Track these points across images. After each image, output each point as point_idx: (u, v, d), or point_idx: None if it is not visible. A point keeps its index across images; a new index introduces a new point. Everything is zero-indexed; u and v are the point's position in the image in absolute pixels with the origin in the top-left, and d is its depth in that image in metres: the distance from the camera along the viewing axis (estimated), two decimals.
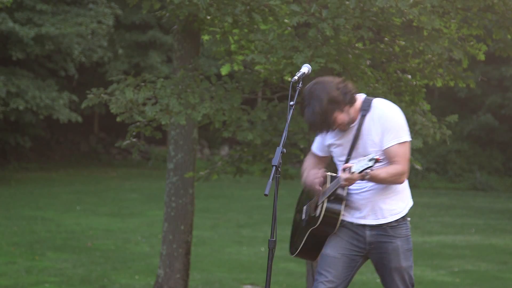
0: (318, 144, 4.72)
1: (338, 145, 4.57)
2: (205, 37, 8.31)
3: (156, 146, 31.71)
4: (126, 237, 14.35)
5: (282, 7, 7.24)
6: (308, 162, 4.78)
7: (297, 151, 8.66)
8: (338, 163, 4.62)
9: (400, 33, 7.28)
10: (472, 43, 7.70)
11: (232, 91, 7.45)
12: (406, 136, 4.45)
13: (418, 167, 8.39)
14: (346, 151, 4.52)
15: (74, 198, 20.20)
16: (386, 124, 4.42)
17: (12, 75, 22.90)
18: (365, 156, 4.38)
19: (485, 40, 7.63)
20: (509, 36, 7.32)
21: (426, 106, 8.17)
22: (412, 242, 4.66)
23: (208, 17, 7.77)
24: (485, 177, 31.34)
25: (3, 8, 19.33)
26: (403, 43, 7.55)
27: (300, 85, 4.42)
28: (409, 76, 8.06)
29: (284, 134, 4.27)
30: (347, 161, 4.52)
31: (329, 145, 4.63)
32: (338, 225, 4.52)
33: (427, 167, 30.92)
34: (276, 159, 4.18)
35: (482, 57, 7.68)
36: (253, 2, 7.18)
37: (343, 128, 4.48)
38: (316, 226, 4.53)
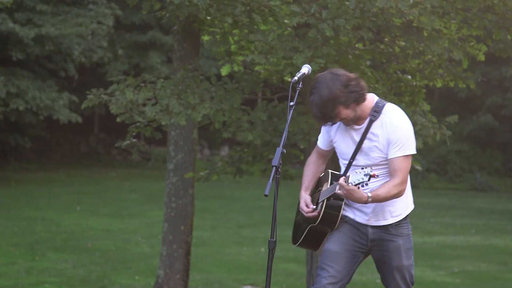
0: (323, 138, 4.72)
1: (342, 143, 4.57)
2: (205, 38, 8.31)
3: (156, 147, 31.70)
4: (126, 238, 14.34)
5: (282, 8, 7.24)
6: (311, 159, 4.78)
7: (297, 151, 8.66)
8: (341, 159, 4.63)
9: (400, 33, 7.29)
10: (472, 43, 7.70)
11: (232, 91, 7.45)
12: (412, 149, 4.44)
13: (418, 167, 8.39)
14: (350, 152, 4.52)
15: (74, 199, 20.20)
16: (394, 134, 4.40)
17: (12, 76, 22.89)
18: (368, 161, 4.43)
19: (485, 40, 7.63)
20: (509, 37, 7.32)
21: (426, 107, 8.17)
22: (412, 241, 4.69)
23: (208, 18, 7.77)
24: (485, 177, 31.33)
25: (3, 8, 19.34)
26: (403, 43, 7.56)
27: (300, 85, 4.42)
28: (409, 77, 8.06)
29: (284, 134, 4.28)
30: (350, 162, 4.52)
31: (333, 140, 4.63)
32: (338, 222, 4.55)
33: (427, 168, 30.91)
34: (276, 159, 4.18)
35: (482, 57, 7.69)
36: (253, 3, 7.18)
37: (347, 123, 4.47)
38: (316, 223, 4.55)
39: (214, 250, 13.47)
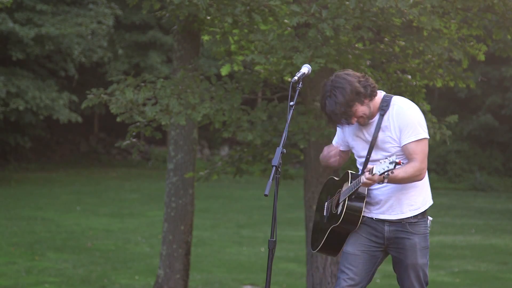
0: (339, 138, 4.74)
1: (358, 140, 4.59)
2: (205, 37, 8.31)
3: (156, 147, 31.70)
4: (126, 238, 14.34)
5: (282, 8, 7.24)
6: (329, 146, 4.83)
7: (297, 151, 8.66)
8: (357, 159, 4.64)
9: (400, 33, 7.28)
10: (472, 43, 7.70)
11: (232, 91, 7.45)
12: (423, 133, 4.47)
13: None
14: (366, 148, 4.55)
15: (74, 199, 20.20)
16: (404, 121, 4.45)
17: (12, 76, 22.89)
18: (384, 153, 4.46)
19: (485, 40, 7.63)
20: (509, 36, 7.32)
21: (426, 107, 8.17)
22: (429, 241, 4.67)
23: (208, 18, 7.77)
24: (485, 177, 31.33)
25: (3, 8, 19.33)
26: (403, 43, 7.56)
27: (300, 85, 4.43)
28: (409, 77, 8.06)
29: (284, 134, 4.28)
30: (367, 158, 4.55)
31: (349, 140, 4.66)
32: (359, 222, 4.55)
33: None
34: (276, 159, 4.18)
35: (482, 57, 7.68)
36: (253, 3, 7.18)
37: (363, 122, 4.51)
38: (337, 224, 4.55)
39: (214, 250, 13.47)
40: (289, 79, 7.52)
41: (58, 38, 22.65)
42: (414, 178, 4.45)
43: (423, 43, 7.06)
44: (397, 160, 4.20)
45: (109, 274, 10.90)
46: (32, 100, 22.55)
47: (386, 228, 4.58)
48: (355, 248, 4.59)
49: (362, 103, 4.42)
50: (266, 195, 4.15)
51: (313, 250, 4.80)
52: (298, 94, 4.41)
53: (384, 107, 4.49)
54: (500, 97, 31.35)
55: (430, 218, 4.67)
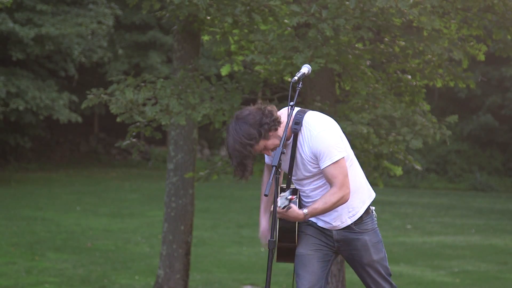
0: (268, 157, 4.71)
1: (282, 161, 4.53)
2: (205, 38, 8.31)
3: (156, 147, 31.72)
4: (126, 238, 14.35)
5: (282, 8, 7.24)
6: (265, 178, 4.80)
7: None
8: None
9: (400, 33, 7.29)
10: (472, 43, 7.71)
11: (232, 91, 7.45)
12: (338, 154, 4.37)
13: (418, 167, 8.40)
14: (286, 168, 4.52)
15: (74, 199, 20.20)
16: (316, 146, 4.37)
17: (12, 76, 22.90)
18: (307, 172, 4.44)
19: (485, 40, 7.63)
20: (509, 37, 7.32)
21: (426, 107, 8.17)
22: (380, 233, 4.66)
23: (208, 18, 7.77)
24: (485, 177, 31.34)
25: (3, 8, 19.35)
26: (403, 43, 7.56)
27: (300, 85, 4.42)
28: (409, 77, 8.07)
29: (284, 134, 4.28)
30: (289, 178, 4.53)
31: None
32: (296, 240, 4.53)
33: (427, 168, 30.92)
34: (276, 159, 4.18)
35: (482, 57, 7.68)
36: (253, 3, 7.18)
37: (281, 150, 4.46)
38: (278, 243, 4.55)
39: (214, 250, 13.47)
40: (289, 79, 7.53)
41: (58, 38, 22.66)
42: (337, 204, 4.39)
43: (423, 43, 7.06)
44: (289, 197, 4.19)
45: (109, 274, 10.90)
46: (32, 100, 22.56)
47: (334, 232, 4.58)
48: (307, 248, 4.57)
49: (267, 139, 4.32)
50: (266, 195, 4.15)
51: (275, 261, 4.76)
52: (298, 94, 4.39)
53: (296, 126, 4.39)
54: (500, 97, 31.38)
55: (372, 208, 4.63)
